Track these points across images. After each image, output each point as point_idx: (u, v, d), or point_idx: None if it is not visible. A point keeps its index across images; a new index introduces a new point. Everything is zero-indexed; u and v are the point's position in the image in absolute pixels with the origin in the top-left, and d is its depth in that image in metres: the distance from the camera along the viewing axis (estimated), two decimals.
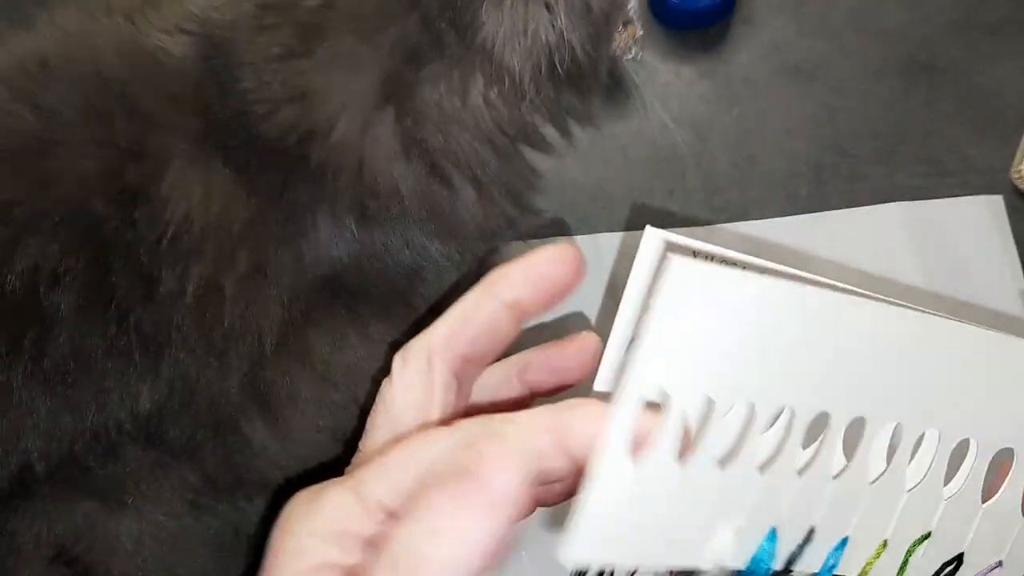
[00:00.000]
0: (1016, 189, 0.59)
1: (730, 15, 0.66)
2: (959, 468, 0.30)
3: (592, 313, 0.58)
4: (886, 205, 0.59)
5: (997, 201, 0.59)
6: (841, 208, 0.59)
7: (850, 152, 0.61)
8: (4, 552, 0.37)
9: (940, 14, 0.65)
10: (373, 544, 0.25)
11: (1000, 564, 0.28)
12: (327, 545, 0.25)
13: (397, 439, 0.28)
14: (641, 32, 0.63)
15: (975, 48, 0.64)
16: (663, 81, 0.65)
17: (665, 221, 0.60)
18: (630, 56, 0.63)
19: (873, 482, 0.28)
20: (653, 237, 0.26)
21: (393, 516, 0.25)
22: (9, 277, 0.35)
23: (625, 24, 0.62)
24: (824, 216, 0.59)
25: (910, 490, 0.28)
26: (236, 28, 0.39)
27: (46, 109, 0.37)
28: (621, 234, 0.60)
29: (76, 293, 0.36)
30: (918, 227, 0.58)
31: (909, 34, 0.64)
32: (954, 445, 0.29)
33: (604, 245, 0.59)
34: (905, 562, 0.28)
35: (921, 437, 0.28)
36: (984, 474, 0.29)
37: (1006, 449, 0.29)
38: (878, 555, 0.28)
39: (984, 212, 0.59)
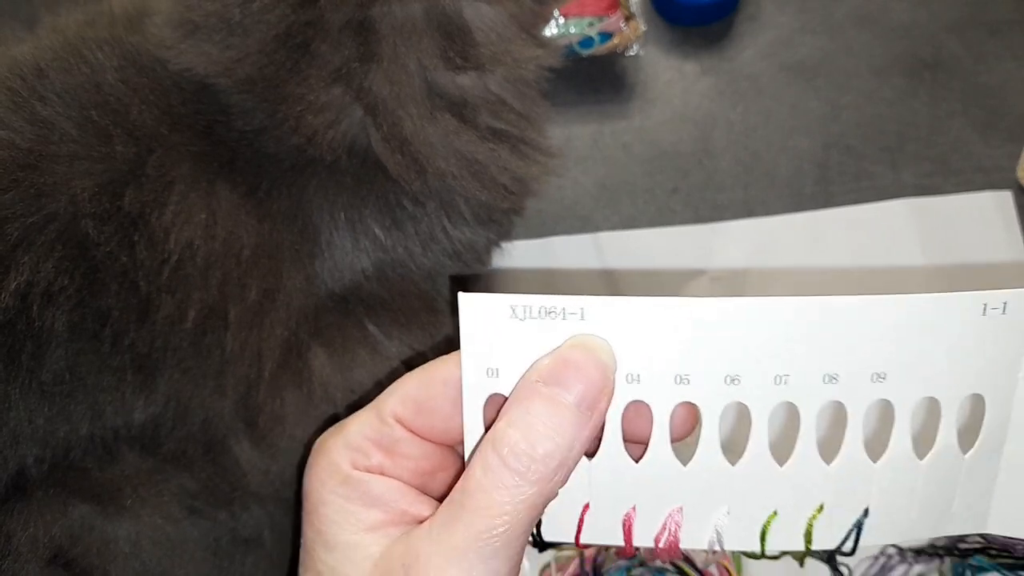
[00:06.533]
0: (1022, 187, 0.59)
1: (734, 11, 0.65)
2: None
3: None
4: (893, 201, 0.59)
5: (1006, 197, 0.58)
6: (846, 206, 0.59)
7: (855, 150, 0.61)
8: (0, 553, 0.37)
9: (945, 12, 0.64)
10: (385, 447, 0.30)
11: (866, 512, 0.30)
12: (351, 451, 0.30)
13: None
14: (644, 28, 0.63)
15: (980, 46, 0.63)
16: (666, 78, 0.64)
17: (667, 219, 0.60)
18: (632, 52, 0.63)
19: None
20: (467, 302, 0.29)
21: (402, 421, 0.30)
22: (3, 295, 0.34)
23: (628, 20, 0.62)
24: (831, 212, 0.59)
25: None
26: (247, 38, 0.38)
27: (43, 121, 0.36)
28: (623, 233, 0.59)
29: (69, 311, 0.35)
30: (926, 223, 0.58)
31: (914, 32, 0.64)
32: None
33: (605, 244, 0.59)
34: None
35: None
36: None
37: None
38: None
39: (992, 208, 0.58)
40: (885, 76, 0.63)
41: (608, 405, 0.29)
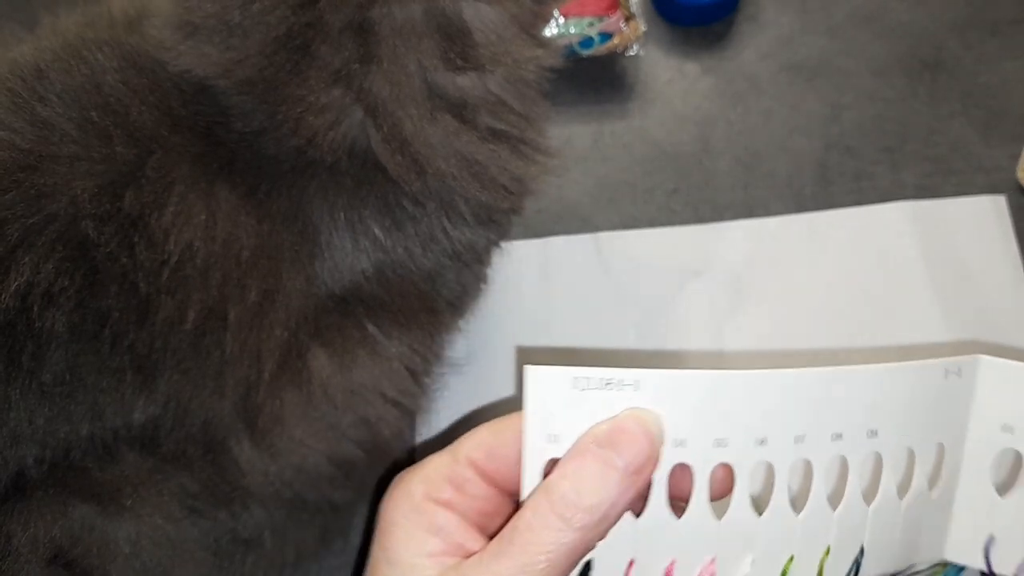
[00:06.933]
0: (1021, 187, 0.59)
1: (734, 11, 0.65)
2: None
3: (596, 313, 0.57)
4: (891, 204, 0.59)
5: (1000, 201, 0.58)
6: (846, 207, 0.59)
7: (855, 150, 0.61)
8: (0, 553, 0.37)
9: (945, 13, 0.64)
10: (457, 484, 0.33)
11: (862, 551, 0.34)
12: (426, 484, 0.33)
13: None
14: (644, 28, 0.63)
15: (980, 47, 0.63)
16: (666, 78, 0.64)
17: (667, 219, 0.60)
18: (632, 52, 0.63)
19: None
20: (533, 375, 0.31)
21: (474, 464, 0.33)
22: (4, 295, 0.34)
23: (628, 20, 0.62)
24: (829, 214, 0.59)
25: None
26: (245, 39, 0.38)
27: (43, 122, 0.36)
28: (623, 233, 0.59)
29: (69, 313, 0.35)
30: (922, 226, 0.58)
31: (914, 32, 0.64)
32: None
33: (605, 244, 0.59)
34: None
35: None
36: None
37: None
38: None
39: (988, 211, 0.58)
40: (885, 76, 0.63)
41: (653, 471, 0.31)
